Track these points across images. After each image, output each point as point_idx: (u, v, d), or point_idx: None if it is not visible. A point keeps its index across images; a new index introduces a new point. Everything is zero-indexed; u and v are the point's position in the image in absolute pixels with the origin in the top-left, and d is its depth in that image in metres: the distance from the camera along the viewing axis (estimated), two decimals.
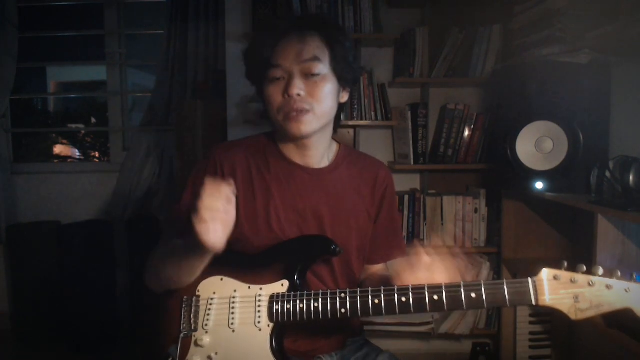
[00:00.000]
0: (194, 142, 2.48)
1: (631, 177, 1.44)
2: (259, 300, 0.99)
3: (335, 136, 1.20)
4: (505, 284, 0.87)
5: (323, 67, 1.05)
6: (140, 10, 3.30)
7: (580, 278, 0.84)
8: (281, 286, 0.99)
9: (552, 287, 0.84)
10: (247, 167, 1.13)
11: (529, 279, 0.86)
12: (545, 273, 0.85)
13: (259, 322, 0.97)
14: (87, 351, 2.62)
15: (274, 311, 0.97)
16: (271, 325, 0.97)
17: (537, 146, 1.73)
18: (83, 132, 3.92)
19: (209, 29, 2.80)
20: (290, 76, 1.04)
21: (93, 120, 4.21)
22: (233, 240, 0.99)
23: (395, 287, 0.93)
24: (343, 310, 0.93)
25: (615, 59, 1.74)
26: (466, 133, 2.36)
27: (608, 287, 0.82)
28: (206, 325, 0.99)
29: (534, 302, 0.85)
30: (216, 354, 0.97)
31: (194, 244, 0.88)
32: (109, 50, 3.04)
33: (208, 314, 1.00)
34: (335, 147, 1.20)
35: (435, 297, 0.90)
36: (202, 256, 0.94)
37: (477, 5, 2.36)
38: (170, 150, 2.85)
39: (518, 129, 1.74)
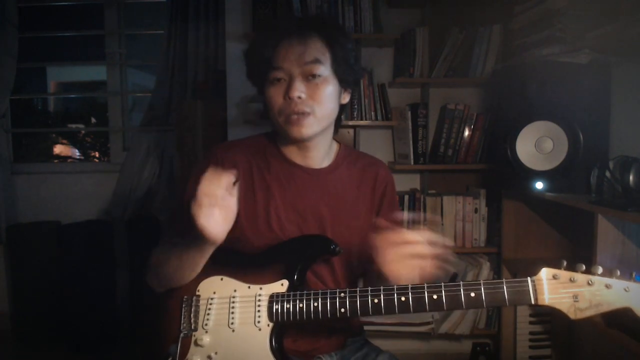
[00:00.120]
0: (194, 142, 2.48)
1: (631, 177, 1.44)
2: (259, 300, 0.99)
3: (335, 136, 1.20)
4: (504, 283, 0.87)
5: (324, 69, 1.04)
6: (140, 10, 3.30)
7: (580, 277, 0.84)
8: (281, 286, 0.99)
9: (552, 287, 0.84)
10: (248, 167, 1.13)
11: (529, 279, 0.86)
12: (545, 272, 0.85)
13: (258, 322, 0.97)
14: (87, 351, 2.62)
15: (274, 311, 0.97)
16: (271, 324, 0.97)
17: (537, 146, 1.73)
18: (83, 132, 3.93)
19: (209, 29, 2.80)
20: (291, 78, 1.03)
21: (93, 120, 4.21)
22: (233, 240, 1.00)
23: (395, 287, 0.92)
24: (342, 310, 0.93)
25: (615, 59, 1.74)
26: (466, 133, 2.36)
27: (607, 286, 0.82)
28: (206, 324, 0.99)
29: (533, 302, 0.85)
30: (216, 353, 0.97)
31: (195, 236, 0.89)
32: (109, 50, 3.04)
33: (208, 314, 1.00)
34: (335, 146, 1.20)
35: (435, 297, 0.90)
36: (202, 249, 0.95)
37: (477, 5, 2.36)
38: (170, 150, 2.85)
39: (518, 129, 1.74)
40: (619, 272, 0.82)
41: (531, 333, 2.15)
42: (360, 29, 2.33)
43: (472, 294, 0.88)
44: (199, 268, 1.00)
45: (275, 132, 1.16)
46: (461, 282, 0.90)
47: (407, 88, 2.53)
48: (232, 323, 0.98)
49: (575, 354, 1.98)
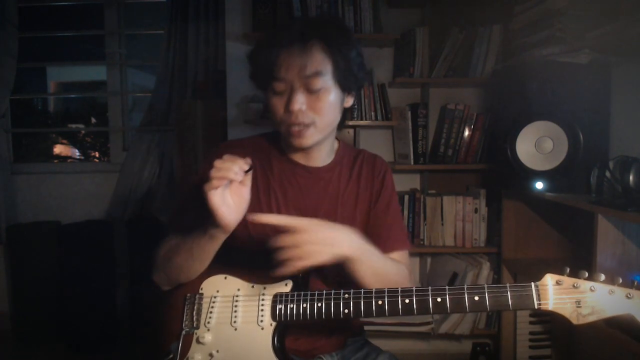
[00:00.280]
0: (194, 142, 2.48)
1: (631, 177, 1.44)
2: (262, 299, 0.99)
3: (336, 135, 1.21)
4: (508, 288, 0.88)
5: (325, 81, 1.02)
6: (140, 10, 3.30)
7: (582, 284, 0.85)
8: (285, 286, 1.00)
9: (555, 293, 0.85)
10: (253, 168, 1.13)
11: (532, 284, 0.87)
12: (548, 278, 0.86)
13: (261, 321, 0.97)
14: (87, 351, 2.62)
15: (277, 310, 0.97)
16: (274, 324, 0.97)
17: (537, 146, 1.73)
18: (83, 132, 3.93)
19: (209, 29, 2.80)
20: (292, 89, 1.02)
21: (93, 120, 4.21)
22: (237, 239, 1.00)
23: (399, 289, 0.93)
24: (346, 311, 0.94)
25: (615, 59, 1.74)
26: (466, 133, 2.36)
27: (610, 292, 0.83)
28: (208, 322, 0.99)
29: (536, 307, 0.86)
30: (217, 351, 0.97)
31: (205, 226, 0.92)
32: (109, 50, 3.04)
33: (210, 312, 1.00)
34: (336, 144, 1.21)
35: (439, 300, 0.90)
36: (213, 237, 0.96)
37: (477, 5, 2.37)
38: (170, 150, 2.85)
39: (518, 129, 1.74)
40: (620, 280, 0.84)
41: (531, 333, 2.15)
42: (360, 29, 2.33)
43: (476, 298, 0.88)
44: (208, 259, 1.00)
45: (277, 131, 1.16)
46: (465, 286, 0.90)
47: (407, 88, 2.53)
48: (234, 321, 0.98)
49: (575, 354, 1.98)
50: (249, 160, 0.94)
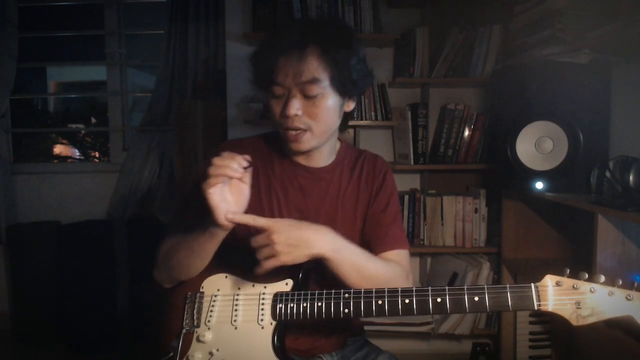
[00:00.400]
0: (194, 142, 2.48)
1: (631, 177, 1.44)
2: (263, 299, 0.99)
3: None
4: (508, 288, 0.88)
5: (323, 87, 1.01)
6: (140, 10, 3.30)
7: (582, 285, 0.85)
8: (285, 285, 1.00)
9: (555, 294, 0.85)
10: (253, 166, 1.14)
11: (532, 285, 0.87)
12: (548, 279, 0.87)
13: (261, 320, 0.97)
14: (87, 351, 2.62)
15: (278, 310, 0.97)
16: (274, 323, 0.97)
17: (537, 146, 1.73)
18: (83, 132, 3.93)
19: (209, 29, 2.80)
20: (289, 94, 1.02)
21: (93, 120, 4.22)
22: (238, 239, 1.00)
23: (399, 289, 0.93)
24: (346, 311, 0.94)
25: (615, 59, 1.74)
26: (466, 133, 2.36)
27: (609, 294, 0.83)
28: (209, 321, 1.00)
29: (536, 308, 0.86)
30: (217, 350, 0.98)
31: (206, 223, 0.92)
32: (109, 50, 3.04)
33: (211, 311, 1.01)
34: (338, 145, 1.21)
35: (439, 300, 0.90)
36: (213, 235, 0.96)
37: (477, 5, 2.37)
38: (170, 150, 2.85)
39: (518, 129, 1.74)
40: (620, 281, 0.84)
41: (531, 333, 2.15)
42: (360, 29, 2.33)
43: (476, 298, 0.89)
44: (209, 257, 1.01)
45: (278, 132, 1.16)
46: (465, 287, 0.90)
47: (407, 88, 2.53)
48: (234, 320, 0.99)
49: (575, 354, 1.98)
50: (247, 157, 0.94)
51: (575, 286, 0.85)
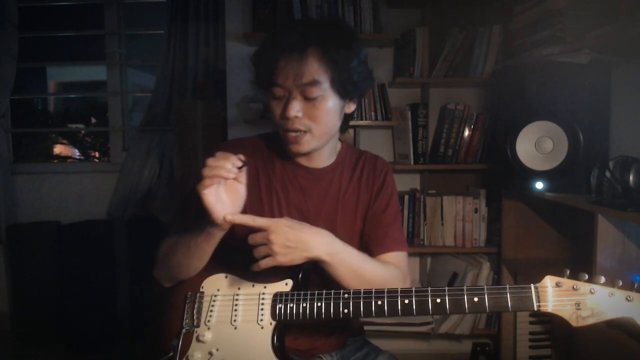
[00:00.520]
0: (194, 142, 2.48)
1: (631, 177, 1.44)
2: (263, 299, 0.99)
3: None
4: (508, 289, 0.87)
5: (323, 89, 1.01)
6: (140, 10, 3.30)
7: (582, 286, 0.85)
8: (285, 285, 1.00)
9: (554, 294, 0.85)
10: (254, 166, 1.14)
11: (532, 286, 0.87)
12: (548, 280, 0.86)
13: (261, 320, 0.97)
14: (87, 351, 2.62)
15: (277, 310, 0.97)
16: (273, 323, 0.97)
17: (537, 146, 1.73)
18: (83, 132, 3.93)
19: (209, 29, 2.80)
20: (289, 96, 1.02)
21: (93, 120, 4.22)
22: (238, 239, 1.00)
23: (399, 290, 0.93)
24: (346, 311, 0.94)
25: (615, 59, 1.74)
26: (466, 133, 2.36)
27: (609, 295, 0.83)
28: (208, 321, 1.00)
29: (535, 308, 0.86)
30: (217, 350, 0.98)
31: (203, 223, 0.93)
32: (109, 50, 3.04)
33: (211, 310, 1.01)
34: (339, 145, 1.21)
35: (438, 301, 0.90)
36: (210, 235, 0.96)
37: (477, 5, 2.36)
38: (170, 150, 2.85)
39: (518, 129, 1.74)
40: (621, 282, 0.83)
41: (531, 333, 2.15)
42: (360, 29, 2.33)
43: (476, 299, 0.88)
44: (207, 257, 1.01)
45: (278, 132, 1.16)
46: (465, 287, 0.90)
47: (407, 88, 2.53)
48: (234, 320, 0.99)
49: (575, 354, 1.98)
50: (241, 157, 0.94)
51: (575, 287, 0.85)
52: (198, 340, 0.99)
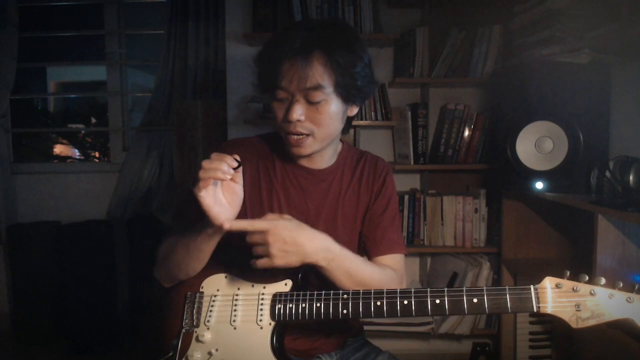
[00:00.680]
0: (194, 142, 2.48)
1: (631, 177, 1.44)
2: (262, 299, 0.99)
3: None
4: (507, 290, 0.87)
5: (326, 93, 1.01)
6: (140, 10, 3.30)
7: (582, 287, 0.84)
8: (284, 285, 1.00)
9: (554, 296, 0.85)
10: (255, 166, 1.14)
11: (532, 287, 0.86)
12: (548, 281, 0.86)
13: (260, 320, 0.97)
14: (87, 351, 2.62)
15: (277, 310, 0.97)
16: (273, 323, 0.97)
17: (537, 146, 1.73)
18: (83, 132, 3.93)
19: (209, 29, 2.80)
20: (292, 99, 1.01)
21: (93, 120, 4.21)
22: (238, 239, 1.01)
23: (398, 290, 0.93)
24: (345, 312, 0.94)
25: (615, 59, 1.74)
26: (466, 133, 2.36)
27: (610, 296, 0.83)
28: (208, 321, 1.00)
29: (535, 310, 0.85)
30: (217, 350, 0.98)
31: (201, 224, 0.93)
32: (109, 50, 3.04)
33: (210, 311, 1.01)
34: (340, 146, 1.21)
35: (437, 301, 0.90)
36: (209, 236, 0.96)
37: (477, 6, 2.37)
38: (170, 150, 2.86)
39: (518, 129, 1.74)
40: (621, 284, 0.83)
41: (531, 333, 2.15)
42: (360, 29, 2.33)
43: (475, 300, 0.88)
44: (206, 258, 1.01)
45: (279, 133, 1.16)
46: (464, 288, 0.90)
47: (407, 88, 2.53)
48: (234, 320, 0.99)
49: (575, 354, 1.98)
50: (237, 157, 0.94)
51: (575, 288, 0.84)
52: (197, 340, 0.99)
